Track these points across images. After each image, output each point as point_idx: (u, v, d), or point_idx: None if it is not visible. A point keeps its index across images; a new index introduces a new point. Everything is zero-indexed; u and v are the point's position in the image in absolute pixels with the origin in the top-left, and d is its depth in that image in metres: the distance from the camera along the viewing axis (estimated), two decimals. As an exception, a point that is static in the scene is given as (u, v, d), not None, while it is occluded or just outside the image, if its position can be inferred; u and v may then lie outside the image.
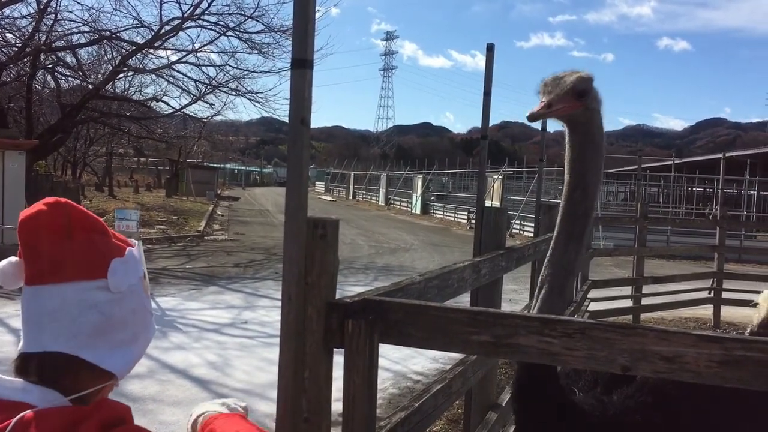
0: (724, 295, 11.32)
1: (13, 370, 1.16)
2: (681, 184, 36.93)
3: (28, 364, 1.14)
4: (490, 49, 3.50)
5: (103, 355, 1.16)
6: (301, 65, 1.58)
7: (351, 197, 61.88)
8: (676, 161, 34.68)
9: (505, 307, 3.96)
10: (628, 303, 10.59)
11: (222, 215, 32.40)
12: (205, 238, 22.24)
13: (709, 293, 11.50)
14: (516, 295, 11.27)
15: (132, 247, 1.27)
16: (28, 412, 1.04)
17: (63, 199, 1.18)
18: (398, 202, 48.48)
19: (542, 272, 2.12)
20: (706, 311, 11.74)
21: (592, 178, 2.14)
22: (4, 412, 1.06)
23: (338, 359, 1.75)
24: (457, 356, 6.65)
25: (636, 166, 18.22)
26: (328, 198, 61.47)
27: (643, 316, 10.65)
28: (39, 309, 1.15)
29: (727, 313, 11.53)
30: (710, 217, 28.11)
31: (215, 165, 59.32)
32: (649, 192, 38.82)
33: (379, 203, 51.85)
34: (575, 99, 2.04)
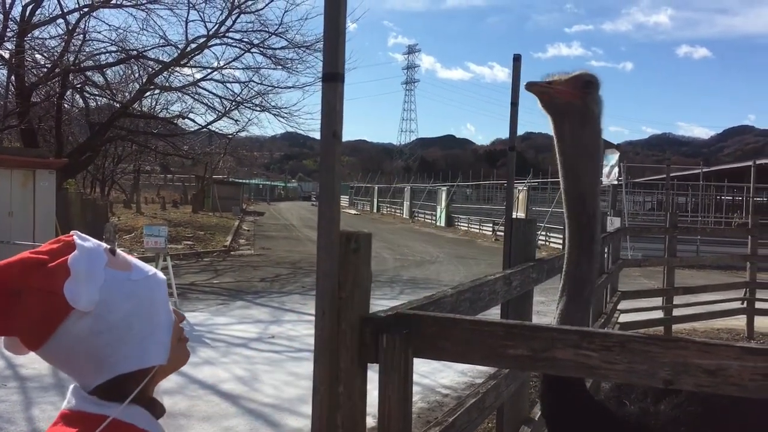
0: (758, 305, 11.09)
1: None
2: (710, 193, 36.40)
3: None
4: (517, 59, 3.48)
5: (137, 357, 1.13)
6: (333, 78, 1.58)
7: (375, 210, 61.92)
8: (704, 169, 34.18)
9: (534, 319, 3.92)
10: (659, 314, 10.42)
11: (248, 230, 32.61)
12: (232, 253, 22.39)
13: (742, 303, 11.27)
14: (544, 307, 11.15)
15: (72, 251, 1.12)
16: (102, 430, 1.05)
17: None
18: (422, 215, 48.41)
19: (560, 284, 2.08)
20: (739, 322, 11.51)
21: (590, 189, 2.02)
22: (82, 424, 1.07)
23: (370, 374, 1.74)
24: (485, 370, 6.59)
25: (663, 175, 18.00)
26: (353, 211, 61.58)
27: (674, 327, 10.47)
28: (57, 364, 1.14)
29: (761, 323, 11.29)
30: (734, 225, 27.66)
31: (240, 180, 59.86)
32: (676, 201, 38.32)
33: (404, 216, 51.81)
34: (578, 88, 1.97)
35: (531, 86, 1.98)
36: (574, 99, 1.96)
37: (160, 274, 1.24)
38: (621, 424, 1.92)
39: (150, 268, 1.23)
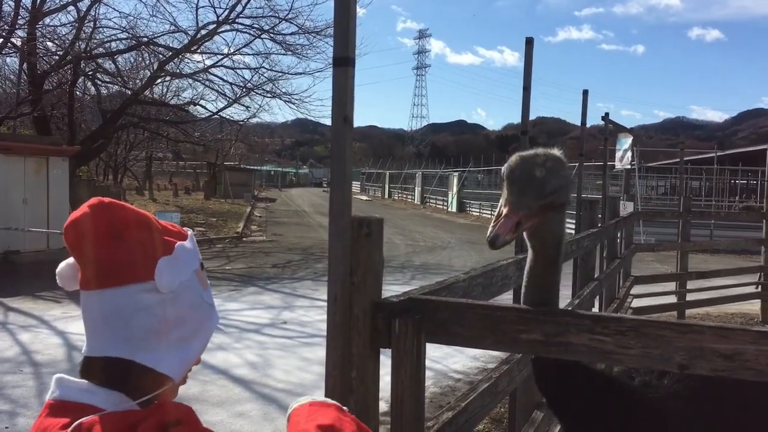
0: (772, 290, 11.02)
1: (79, 372, 1.15)
2: (724, 177, 36.09)
3: (91, 368, 1.14)
4: (529, 43, 3.45)
5: (159, 357, 1.14)
6: (344, 63, 1.57)
7: (386, 196, 61.90)
8: (718, 153, 33.86)
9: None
10: (672, 299, 10.38)
11: (259, 216, 32.70)
12: (244, 239, 22.46)
13: (756, 288, 11.21)
14: (556, 293, 11.14)
15: (184, 240, 1.21)
16: (86, 419, 1.03)
17: (107, 199, 1.15)
18: (434, 201, 48.35)
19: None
20: (753, 306, 11.45)
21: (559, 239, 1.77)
22: (71, 413, 1.06)
23: (382, 358, 1.73)
24: (497, 355, 6.59)
25: (677, 159, 17.86)
26: (364, 197, 61.56)
27: (688, 312, 10.42)
28: (93, 314, 1.14)
29: (776, 308, 11.23)
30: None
31: (252, 167, 59.95)
32: (690, 185, 38.04)
33: (415, 202, 51.77)
34: (549, 210, 1.64)
35: (500, 245, 1.56)
36: (544, 218, 1.67)
37: (218, 315, 1.31)
38: (621, 395, 1.92)
39: (214, 303, 1.30)
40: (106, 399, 1.09)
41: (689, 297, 10.55)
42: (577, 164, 7.53)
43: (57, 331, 8.70)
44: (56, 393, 1.11)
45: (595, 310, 5.97)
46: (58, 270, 1.18)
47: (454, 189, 42.69)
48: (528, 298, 1.80)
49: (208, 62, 23.17)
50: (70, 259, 1.17)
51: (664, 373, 1.94)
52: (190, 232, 1.26)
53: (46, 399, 1.13)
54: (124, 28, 20.98)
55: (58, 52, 20.42)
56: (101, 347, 1.13)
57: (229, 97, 24.39)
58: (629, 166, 21.06)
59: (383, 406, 1.82)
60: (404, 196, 57.52)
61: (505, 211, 1.57)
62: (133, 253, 1.12)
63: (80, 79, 23.04)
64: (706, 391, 1.89)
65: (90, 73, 22.95)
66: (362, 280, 1.64)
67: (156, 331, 1.14)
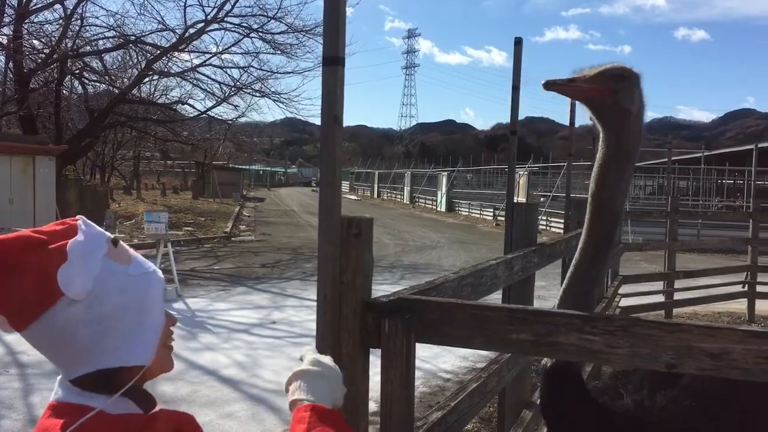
0: (759, 288, 11.09)
1: None
2: (711, 177, 36.34)
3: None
4: (518, 43, 3.46)
5: (120, 354, 1.11)
6: (333, 62, 1.56)
7: (376, 196, 61.88)
8: (705, 153, 34.10)
9: (535, 303, 3.90)
10: (660, 298, 10.43)
11: (248, 216, 32.58)
12: (232, 239, 22.38)
13: (743, 287, 11.28)
14: (545, 292, 11.16)
15: (74, 236, 1.10)
16: (84, 419, 1.03)
17: None
18: (423, 200, 48.39)
19: (564, 287, 1.90)
20: (740, 305, 11.52)
21: (620, 195, 1.85)
22: (72, 415, 1.05)
23: (372, 358, 1.73)
24: (487, 354, 6.60)
25: (665, 159, 17.96)
26: (353, 197, 61.50)
27: (675, 311, 10.48)
28: (40, 348, 1.13)
29: (762, 306, 11.30)
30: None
31: (240, 166, 59.78)
32: (678, 185, 38.28)
33: (404, 201, 51.79)
34: (606, 83, 1.72)
35: (549, 85, 1.74)
36: (602, 95, 1.74)
37: (160, 273, 1.22)
38: (615, 419, 1.89)
39: (150, 265, 1.20)
40: (107, 401, 1.09)
41: (677, 296, 10.61)
42: (565, 164, 7.56)
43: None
44: (59, 394, 1.12)
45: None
46: None
47: (444, 189, 42.74)
48: (573, 282, 1.85)
49: (197, 61, 23.16)
50: None
51: (655, 390, 1.92)
52: (80, 220, 1.15)
53: (49, 400, 1.13)
54: (111, 26, 20.95)
55: (45, 51, 20.30)
56: (66, 372, 1.12)
57: (217, 96, 24.38)
58: (617, 166, 21.16)
59: (373, 406, 1.82)
60: (393, 195, 57.52)
61: None
62: (29, 283, 1.05)
63: (67, 78, 22.92)
64: (702, 410, 1.87)
65: (77, 71, 22.83)
66: (352, 280, 1.63)
67: (101, 333, 1.09)
